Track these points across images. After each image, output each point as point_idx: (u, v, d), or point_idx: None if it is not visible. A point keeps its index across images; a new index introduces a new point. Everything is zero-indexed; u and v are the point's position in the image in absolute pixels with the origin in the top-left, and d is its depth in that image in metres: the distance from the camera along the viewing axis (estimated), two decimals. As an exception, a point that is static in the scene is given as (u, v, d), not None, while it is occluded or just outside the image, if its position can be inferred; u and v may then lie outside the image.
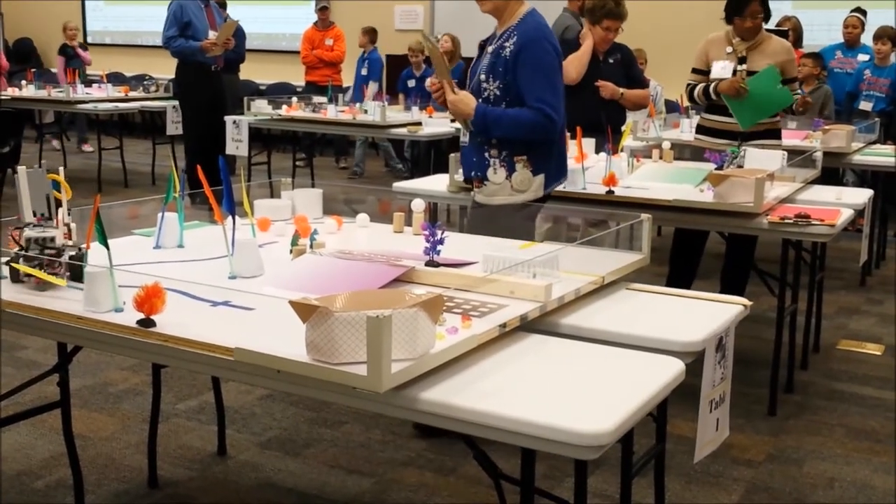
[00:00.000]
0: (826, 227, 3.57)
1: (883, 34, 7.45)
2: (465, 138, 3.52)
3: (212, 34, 7.43)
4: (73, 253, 2.27)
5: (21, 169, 2.39)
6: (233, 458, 3.36)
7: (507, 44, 3.28)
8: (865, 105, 7.47)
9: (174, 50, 7.43)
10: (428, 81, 7.19)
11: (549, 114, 3.23)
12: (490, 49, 3.36)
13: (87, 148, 10.96)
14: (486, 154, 3.34)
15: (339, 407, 3.68)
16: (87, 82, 9.64)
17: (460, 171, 3.70)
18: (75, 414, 3.12)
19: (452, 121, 3.72)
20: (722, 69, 4.68)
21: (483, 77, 3.32)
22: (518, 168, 3.33)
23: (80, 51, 11.03)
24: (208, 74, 7.54)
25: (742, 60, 4.66)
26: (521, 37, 3.26)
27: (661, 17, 9.22)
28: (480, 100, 3.31)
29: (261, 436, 3.53)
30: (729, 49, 4.70)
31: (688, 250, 4.70)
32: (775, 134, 4.81)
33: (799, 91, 4.76)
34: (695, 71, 4.82)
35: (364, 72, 9.89)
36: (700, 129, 4.95)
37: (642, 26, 7.76)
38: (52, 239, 2.28)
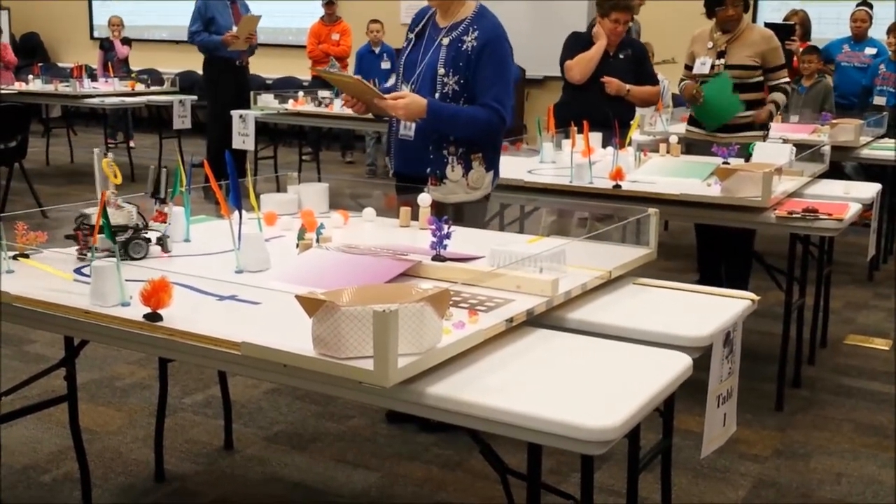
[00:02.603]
0: (834, 222, 3.55)
1: (894, 28, 7.40)
2: (408, 132, 3.35)
3: (234, 29, 7.50)
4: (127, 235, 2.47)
5: (95, 150, 2.61)
6: (239, 452, 3.36)
7: (466, 38, 3.23)
8: (879, 100, 7.39)
9: (197, 43, 7.56)
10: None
11: (503, 115, 3.24)
12: (445, 41, 3.27)
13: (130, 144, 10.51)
14: (444, 151, 3.29)
15: (345, 401, 3.68)
16: (121, 77, 9.62)
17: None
18: (82, 408, 3.12)
19: (378, 118, 3.55)
20: (701, 65, 4.77)
21: (442, 71, 3.24)
22: (474, 166, 3.32)
23: (116, 44, 10.94)
24: (233, 69, 7.62)
25: (721, 54, 4.71)
26: (485, 32, 3.23)
27: (669, 10, 9.18)
28: (437, 95, 3.24)
29: (267, 430, 3.54)
30: (710, 44, 4.75)
31: (712, 247, 4.77)
32: (755, 127, 4.89)
33: (785, 79, 4.79)
34: (686, 67, 4.97)
35: (386, 65, 9.73)
36: (690, 121, 5.06)
37: (649, 19, 7.74)
38: (89, 216, 2.48)
